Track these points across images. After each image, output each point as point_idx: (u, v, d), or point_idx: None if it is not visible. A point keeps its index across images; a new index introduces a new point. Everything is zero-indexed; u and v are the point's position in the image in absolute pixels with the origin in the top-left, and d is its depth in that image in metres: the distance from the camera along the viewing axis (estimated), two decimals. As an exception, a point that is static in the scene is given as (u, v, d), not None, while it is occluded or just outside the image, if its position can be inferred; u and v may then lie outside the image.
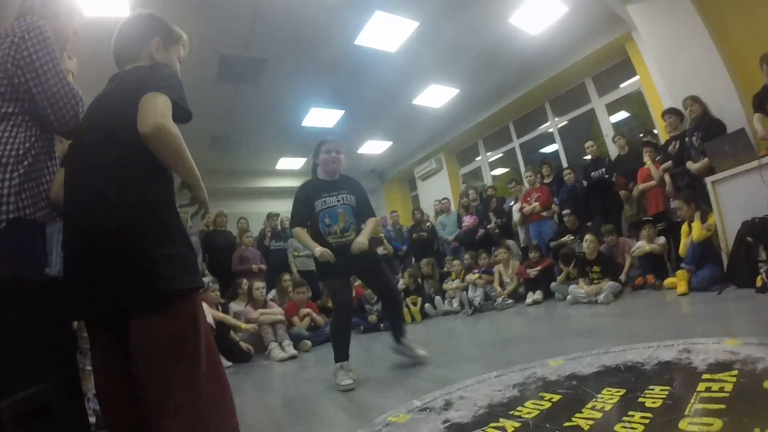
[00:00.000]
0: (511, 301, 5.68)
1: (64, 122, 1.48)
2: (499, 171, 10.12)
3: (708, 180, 4.13)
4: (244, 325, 4.92)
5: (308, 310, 5.60)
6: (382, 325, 5.68)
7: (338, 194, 3.16)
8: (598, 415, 1.52)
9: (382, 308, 3.63)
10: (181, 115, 1.38)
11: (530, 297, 5.56)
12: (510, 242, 6.77)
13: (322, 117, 7.86)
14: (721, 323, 2.78)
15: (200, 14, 4.58)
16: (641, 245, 4.92)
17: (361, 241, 3.05)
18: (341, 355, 3.07)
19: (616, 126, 7.31)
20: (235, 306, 5.31)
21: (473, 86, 7.73)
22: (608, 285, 4.61)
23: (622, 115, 7.43)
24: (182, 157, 1.33)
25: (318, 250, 2.94)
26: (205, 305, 4.52)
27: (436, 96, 7.91)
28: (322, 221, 3.09)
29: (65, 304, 1.24)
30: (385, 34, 5.68)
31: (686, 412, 1.40)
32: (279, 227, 7.44)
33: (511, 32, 6.14)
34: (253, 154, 9.32)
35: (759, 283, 3.31)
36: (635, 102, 6.98)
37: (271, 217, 7.48)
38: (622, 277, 4.93)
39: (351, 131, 8.58)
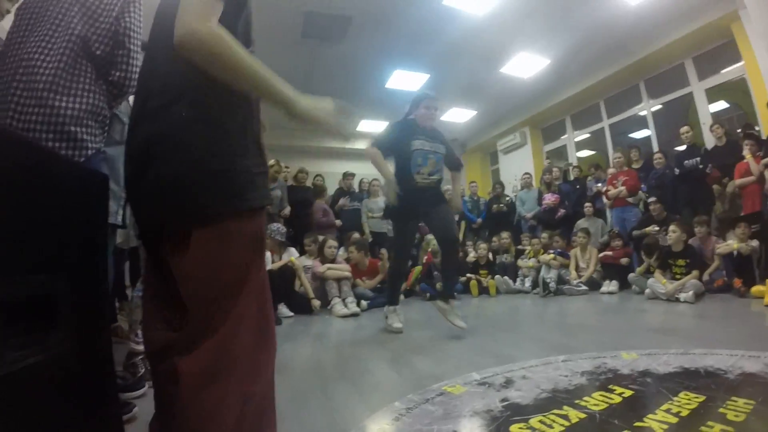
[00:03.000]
0: (585, 287, 5.46)
1: None
2: (585, 153, 9.60)
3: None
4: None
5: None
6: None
7: (433, 142, 3.47)
8: (673, 419, 1.42)
9: (442, 258, 3.75)
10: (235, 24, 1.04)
11: (606, 286, 5.33)
12: (596, 223, 6.46)
13: (406, 80, 7.74)
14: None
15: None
16: (730, 243, 4.57)
17: (459, 204, 3.85)
18: (391, 299, 3.59)
19: (715, 115, 6.68)
20: (305, 260, 5.45)
21: (565, 57, 7.31)
22: (691, 283, 4.32)
23: (721, 105, 6.80)
24: (229, 64, 0.95)
25: (391, 178, 3.24)
26: (267, 252, 4.66)
27: (526, 66, 7.57)
28: (415, 160, 3.37)
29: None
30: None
31: (773, 431, 1.28)
32: (354, 188, 7.52)
33: (610, 0, 5.72)
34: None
35: None
36: (738, 91, 6.36)
37: (347, 176, 7.54)
38: (705, 277, 4.59)
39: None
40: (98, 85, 1.44)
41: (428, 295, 5.78)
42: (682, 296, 4.18)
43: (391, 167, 3.44)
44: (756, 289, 4.02)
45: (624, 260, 5.54)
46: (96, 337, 1.10)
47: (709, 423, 1.36)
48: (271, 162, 5.87)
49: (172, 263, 1.04)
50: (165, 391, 1.04)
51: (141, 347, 2.11)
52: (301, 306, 4.90)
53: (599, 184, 6.79)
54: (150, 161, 1.01)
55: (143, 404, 1.76)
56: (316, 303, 4.97)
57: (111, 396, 1.15)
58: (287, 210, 6.15)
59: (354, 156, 10.26)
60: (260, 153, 1.16)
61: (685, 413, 1.46)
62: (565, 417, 1.52)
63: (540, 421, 1.50)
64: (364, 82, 7.72)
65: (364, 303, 5.07)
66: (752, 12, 4.84)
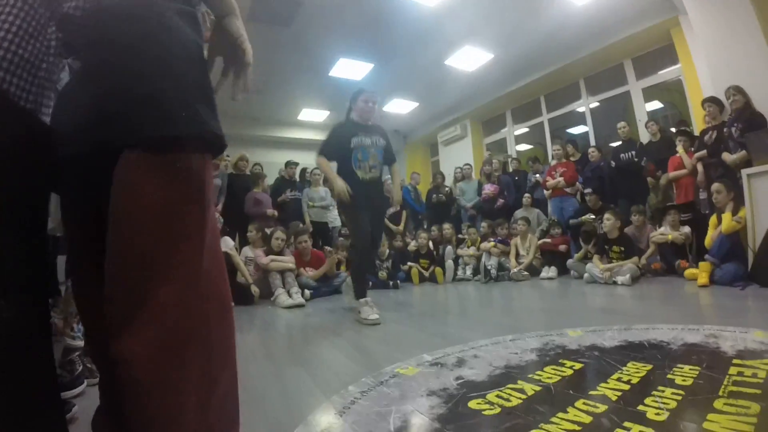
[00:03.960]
0: (526, 273, 5.62)
1: None
2: (524, 147, 9.88)
3: (744, 172, 4.04)
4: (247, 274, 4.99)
5: (334, 257, 5.63)
6: (392, 282, 5.66)
7: (372, 137, 3.61)
8: (625, 386, 1.45)
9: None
10: None
11: (545, 272, 5.51)
12: (533, 213, 6.65)
13: (350, 69, 7.64)
14: (744, 317, 2.68)
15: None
16: (664, 231, 4.83)
17: (399, 196, 3.97)
18: (360, 291, 3.46)
19: (651, 113, 7.03)
20: (248, 251, 5.28)
21: (509, 53, 7.42)
22: (627, 267, 4.53)
23: (656, 104, 7.18)
24: None
25: (339, 184, 3.33)
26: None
27: (470, 59, 7.64)
28: (355, 156, 3.51)
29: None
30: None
31: (720, 393, 1.33)
32: (296, 177, 7.37)
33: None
34: (277, 101, 9.11)
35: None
36: (673, 91, 6.74)
37: (289, 165, 7.37)
38: (642, 261, 4.81)
39: (378, 87, 8.27)
40: (45, 25, 1.23)
41: (371, 283, 5.76)
42: (619, 279, 4.35)
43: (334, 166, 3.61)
44: (689, 272, 4.25)
45: (562, 247, 5.73)
46: (39, 309, 0.94)
47: (660, 388, 1.40)
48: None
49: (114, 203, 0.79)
50: (107, 380, 0.86)
51: (78, 342, 1.94)
52: (242, 296, 4.73)
53: (537, 176, 6.99)
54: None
55: (82, 403, 1.64)
56: (255, 290, 4.83)
57: (52, 384, 0.98)
58: (220, 205, 5.90)
59: (296, 146, 10.11)
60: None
61: (635, 380, 1.50)
62: (521, 390, 1.53)
63: (497, 396, 1.50)
64: (309, 69, 7.55)
65: (307, 293, 4.97)
66: (693, 18, 5.12)
